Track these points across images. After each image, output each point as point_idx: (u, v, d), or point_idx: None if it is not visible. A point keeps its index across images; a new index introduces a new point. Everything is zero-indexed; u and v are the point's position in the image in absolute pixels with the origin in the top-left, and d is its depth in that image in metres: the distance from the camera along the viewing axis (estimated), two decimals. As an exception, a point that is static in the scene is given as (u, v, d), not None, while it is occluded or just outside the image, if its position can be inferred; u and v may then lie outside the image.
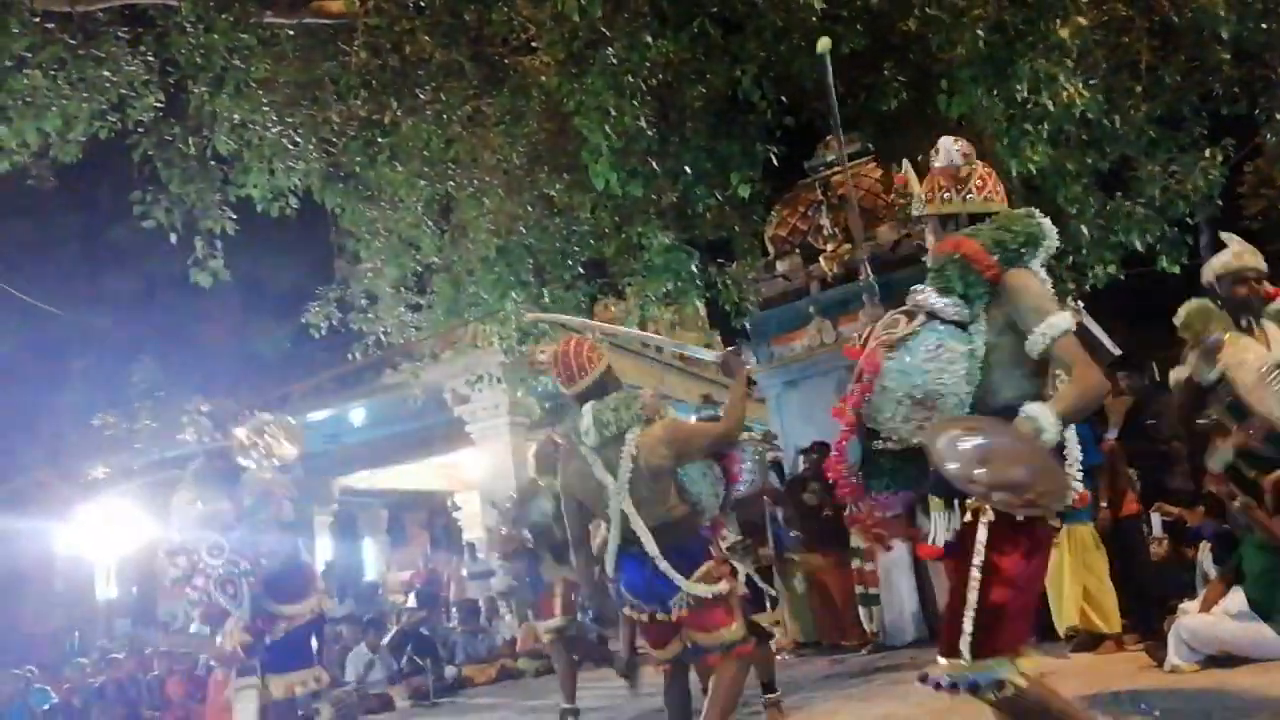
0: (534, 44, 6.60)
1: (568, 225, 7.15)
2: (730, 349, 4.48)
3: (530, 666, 9.60)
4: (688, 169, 6.11)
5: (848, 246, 10.38)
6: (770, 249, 10.96)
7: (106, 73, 5.79)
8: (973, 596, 2.50)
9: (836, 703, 5.75)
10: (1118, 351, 3.45)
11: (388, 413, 14.46)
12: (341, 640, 11.12)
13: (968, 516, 2.55)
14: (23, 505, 16.05)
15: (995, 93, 5.28)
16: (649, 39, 5.59)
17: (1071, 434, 2.63)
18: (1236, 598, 4.86)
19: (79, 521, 15.34)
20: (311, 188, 6.82)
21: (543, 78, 6.38)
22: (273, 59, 6.30)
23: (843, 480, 2.78)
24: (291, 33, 6.48)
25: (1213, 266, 4.33)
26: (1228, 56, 5.73)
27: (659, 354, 15.90)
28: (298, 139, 6.50)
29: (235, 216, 6.58)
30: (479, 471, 13.83)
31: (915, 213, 2.96)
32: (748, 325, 8.53)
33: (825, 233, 10.43)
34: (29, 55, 5.55)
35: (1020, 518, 2.46)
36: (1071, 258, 6.50)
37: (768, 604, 5.48)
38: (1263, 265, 4.25)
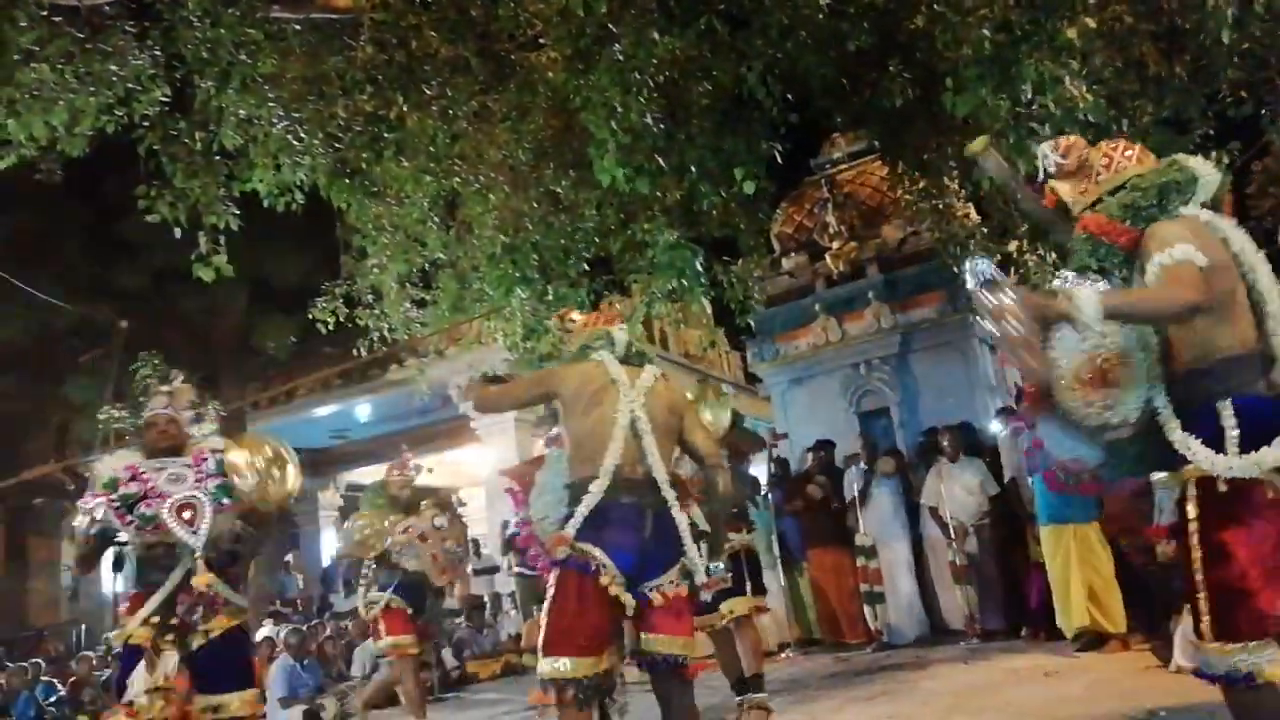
0: (541, 40, 6.59)
1: (573, 222, 7.14)
2: None
3: (534, 662, 9.59)
4: (693, 166, 6.10)
5: (853, 244, 10.38)
6: (776, 246, 10.97)
7: (113, 67, 5.79)
8: (1199, 576, 2.43)
9: (841, 701, 5.75)
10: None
11: (393, 408, 14.51)
12: (347, 635, 11.17)
13: (1181, 491, 2.50)
14: (29, 498, 16.13)
15: (1000, 92, 5.27)
16: (656, 35, 5.57)
17: (1164, 404, 2.57)
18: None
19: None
20: (317, 183, 6.82)
21: (549, 74, 6.38)
22: (279, 54, 6.29)
23: (1088, 483, 2.75)
24: (298, 28, 6.48)
25: None
26: (1233, 59, 5.71)
27: (664, 350, 15.96)
28: (304, 134, 6.50)
29: (240, 212, 6.58)
30: (484, 468, 13.85)
31: (1076, 215, 2.86)
32: (753, 323, 8.52)
33: (831, 230, 10.43)
34: (36, 49, 5.55)
35: (1223, 487, 2.41)
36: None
37: (748, 589, 5.27)
38: None
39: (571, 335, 3.76)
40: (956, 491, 7.55)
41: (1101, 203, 2.76)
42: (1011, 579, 7.36)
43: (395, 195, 7.09)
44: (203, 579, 4.02)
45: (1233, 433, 2.44)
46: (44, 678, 10.03)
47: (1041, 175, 2.93)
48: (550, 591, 3.22)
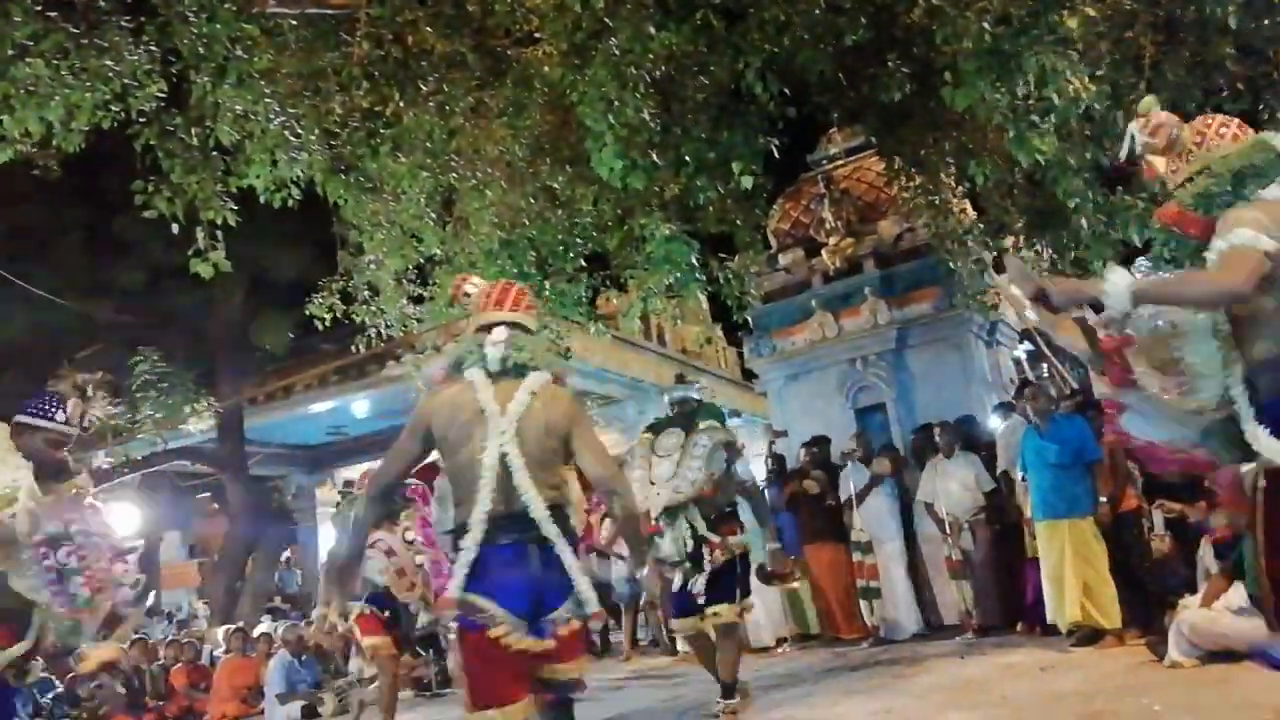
0: (537, 35, 6.59)
1: (570, 217, 7.15)
2: None
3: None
4: (690, 161, 6.10)
5: (850, 240, 10.38)
6: (772, 242, 10.96)
7: (109, 62, 5.76)
8: (1262, 562, 2.41)
9: (837, 696, 5.76)
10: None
11: (390, 405, 14.47)
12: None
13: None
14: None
15: (1000, 86, 5.26)
16: (652, 30, 5.57)
17: (1240, 393, 2.53)
18: (1238, 593, 4.86)
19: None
20: (314, 179, 6.81)
21: (545, 69, 6.37)
22: (275, 50, 6.28)
23: (1198, 460, 2.71)
24: (294, 23, 6.46)
25: None
26: (1231, 52, 5.71)
27: (660, 345, 15.95)
28: (300, 130, 6.49)
29: (237, 207, 6.57)
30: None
31: (1171, 190, 2.74)
32: (749, 318, 8.52)
33: (827, 226, 10.43)
34: (31, 44, 5.53)
35: None
36: (1072, 252, 6.50)
37: (736, 594, 5.21)
38: None
39: (470, 309, 3.37)
40: (952, 487, 7.56)
41: (1191, 181, 2.63)
42: (1007, 574, 7.37)
43: (392, 191, 7.08)
44: None
45: None
46: (41, 674, 10.01)
47: (1125, 154, 2.81)
48: (457, 650, 3.09)
